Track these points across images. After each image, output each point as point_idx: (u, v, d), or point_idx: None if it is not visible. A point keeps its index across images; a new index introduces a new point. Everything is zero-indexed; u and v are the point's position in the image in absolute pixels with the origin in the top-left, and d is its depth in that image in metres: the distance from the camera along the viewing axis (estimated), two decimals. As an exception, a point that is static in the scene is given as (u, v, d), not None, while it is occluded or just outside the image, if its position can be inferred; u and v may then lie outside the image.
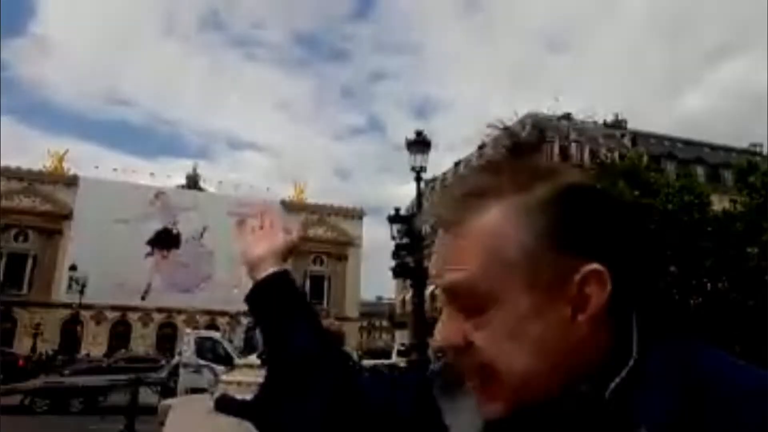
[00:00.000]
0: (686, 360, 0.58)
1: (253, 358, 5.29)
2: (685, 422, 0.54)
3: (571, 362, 0.59)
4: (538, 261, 0.58)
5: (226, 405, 3.92)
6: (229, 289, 53.11)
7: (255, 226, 1.04)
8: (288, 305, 0.90)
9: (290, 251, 1.00)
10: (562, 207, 0.59)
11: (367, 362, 27.45)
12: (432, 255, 0.65)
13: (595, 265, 0.58)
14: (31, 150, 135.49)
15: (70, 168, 53.75)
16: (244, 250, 0.99)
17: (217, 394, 4.59)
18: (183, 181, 59.35)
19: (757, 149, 50.71)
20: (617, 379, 0.56)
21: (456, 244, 0.61)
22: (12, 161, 50.99)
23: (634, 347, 0.59)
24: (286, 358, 0.86)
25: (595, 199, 0.62)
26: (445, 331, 0.62)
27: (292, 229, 1.03)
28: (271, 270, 0.93)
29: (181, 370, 15.00)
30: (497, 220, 0.59)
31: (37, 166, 52.74)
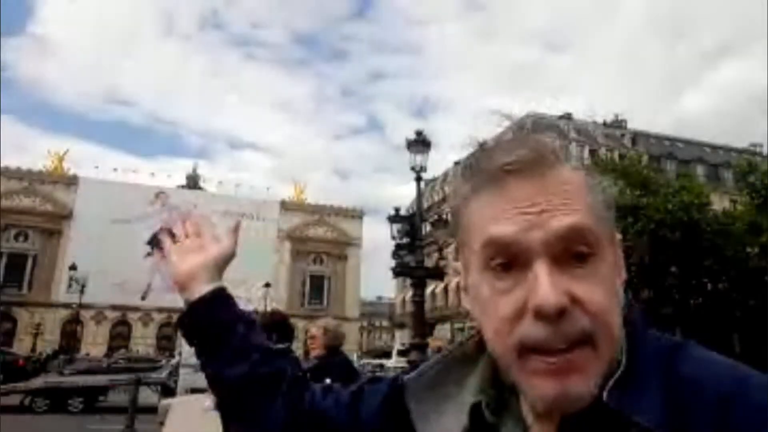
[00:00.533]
0: (672, 359, 0.58)
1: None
2: (673, 423, 0.53)
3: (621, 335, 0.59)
4: (610, 218, 0.61)
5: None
6: (229, 289, 53.09)
7: (179, 237, 0.94)
8: (227, 328, 0.81)
9: (226, 262, 0.89)
10: (603, 179, 0.64)
11: (368, 362, 27.50)
12: (509, 193, 0.58)
13: (620, 235, 0.63)
14: (29, 149, 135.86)
15: (70, 168, 53.89)
16: (170, 265, 0.90)
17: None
18: (183, 181, 59.36)
19: (757, 149, 50.71)
20: (612, 381, 0.55)
21: (564, 184, 0.58)
22: (10, 161, 51.22)
23: (624, 344, 0.59)
24: (228, 387, 0.80)
25: None
26: (556, 290, 0.53)
27: (226, 236, 0.92)
28: (205, 289, 0.84)
29: (181, 370, 14.98)
30: (580, 172, 0.61)
31: (36, 165, 52.91)
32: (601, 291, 0.55)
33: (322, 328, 3.83)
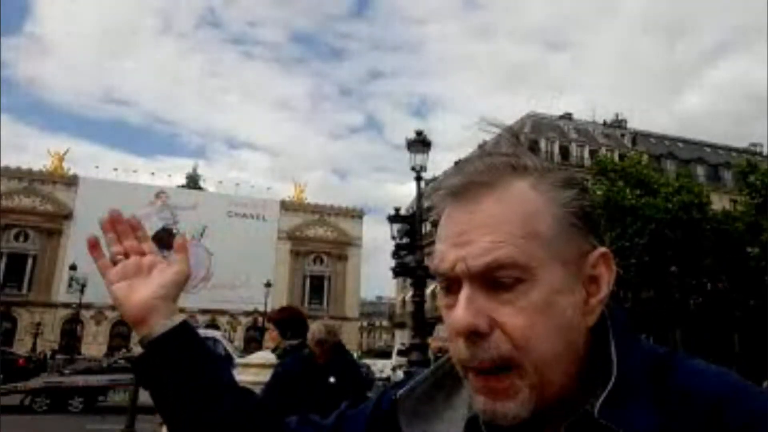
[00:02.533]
0: (662, 371, 0.58)
1: (255, 357, 5.29)
2: None
3: (578, 353, 0.59)
4: (565, 235, 0.58)
5: None
6: (229, 289, 53.21)
7: (115, 251, 0.81)
8: (196, 369, 0.72)
9: (181, 288, 0.76)
10: (579, 189, 0.61)
11: (369, 362, 27.43)
12: (450, 220, 0.60)
13: (604, 249, 0.61)
14: (27, 149, 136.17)
15: (70, 168, 53.91)
16: (114, 295, 0.76)
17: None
18: (182, 180, 59.37)
19: (757, 149, 50.75)
20: (602, 397, 0.55)
21: (494, 209, 0.58)
22: (8, 160, 51.30)
23: (614, 356, 0.58)
24: None
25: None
26: (469, 312, 0.56)
27: (177, 246, 0.80)
28: (168, 324, 0.73)
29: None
30: (530, 190, 0.59)
31: (35, 165, 53.02)
32: (525, 317, 0.55)
33: (311, 337, 3.74)
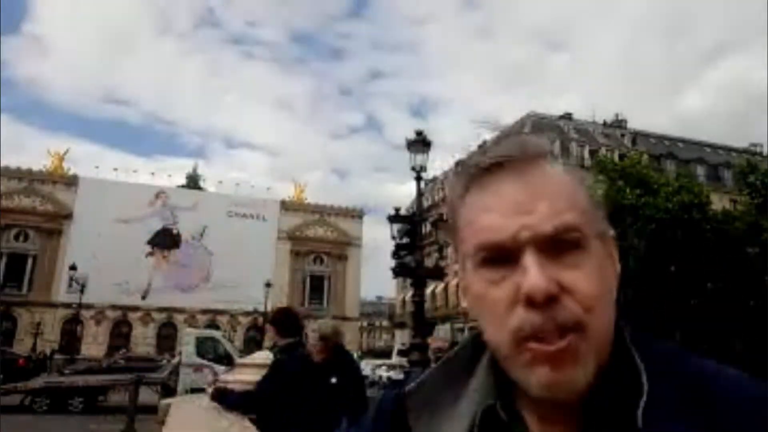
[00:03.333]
0: (691, 376, 0.58)
1: (255, 356, 5.30)
2: None
3: (612, 328, 0.60)
4: (597, 214, 0.62)
5: (221, 397, 3.92)
6: (229, 289, 53.20)
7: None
8: None
9: None
10: (591, 179, 0.65)
11: (370, 362, 27.46)
12: (497, 191, 0.60)
13: (613, 231, 0.65)
14: (26, 148, 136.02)
15: (70, 168, 53.90)
16: None
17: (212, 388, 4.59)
18: (182, 180, 59.36)
19: (757, 149, 50.73)
20: (642, 403, 0.55)
21: (549, 181, 0.60)
22: (7, 160, 51.17)
23: (635, 353, 0.59)
24: None
25: None
26: (544, 277, 0.54)
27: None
28: None
29: (182, 370, 15.00)
30: (565, 170, 0.62)
31: (33, 164, 52.97)
32: (590, 280, 0.56)
33: (317, 334, 3.84)
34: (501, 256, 0.58)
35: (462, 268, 0.64)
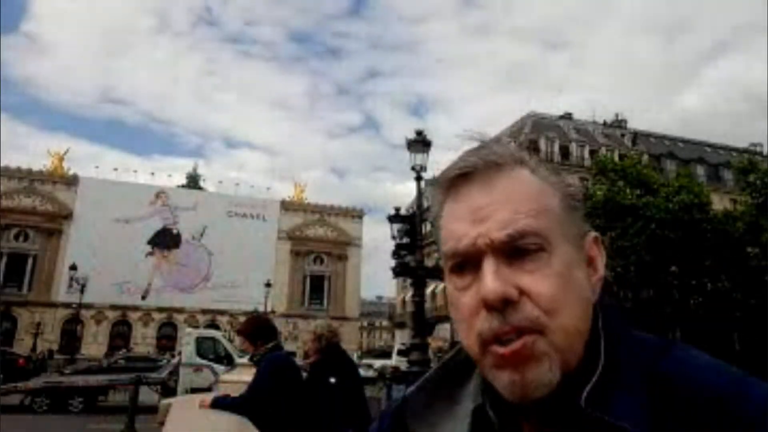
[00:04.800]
0: (656, 360, 0.59)
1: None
2: (659, 426, 0.54)
3: (587, 330, 0.61)
4: (569, 215, 0.63)
5: (214, 404, 3.92)
6: (229, 289, 53.22)
7: None
8: None
9: None
10: (567, 180, 0.67)
11: (369, 362, 27.37)
12: (463, 201, 0.62)
13: (595, 232, 0.66)
14: (24, 148, 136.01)
15: (70, 168, 53.91)
16: None
17: (216, 394, 4.60)
18: (182, 180, 59.39)
19: (757, 149, 50.71)
20: (589, 386, 0.57)
21: (510, 188, 0.61)
22: (6, 159, 51.30)
23: (602, 345, 0.60)
24: None
25: None
26: (498, 281, 0.57)
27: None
28: None
29: (182, 370, 15.00)
30: (533, 175, 0.64)
31: (31, 164, 53.01)
32: (551, 283, 0.58)
33: (312, 333, 3.87)
34: (466, 262, 0.60)
35: (444, 275, 0.67)
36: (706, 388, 0.55)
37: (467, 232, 0.60)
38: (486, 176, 0.62)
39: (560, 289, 0.58)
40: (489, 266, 0.58)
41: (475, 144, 0.67)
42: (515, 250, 0.59)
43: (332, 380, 3.63)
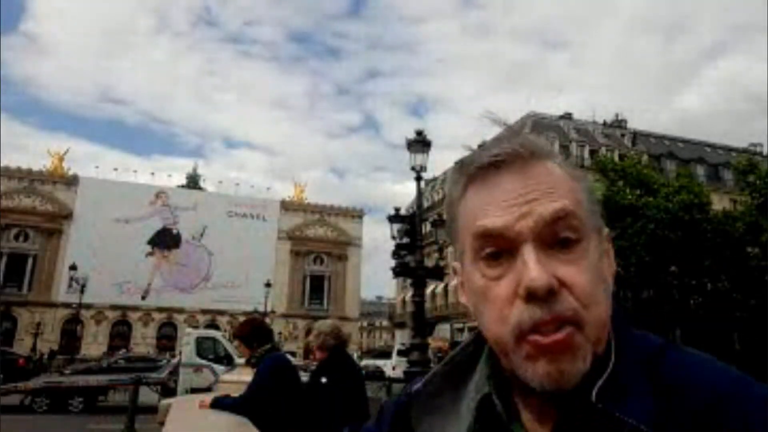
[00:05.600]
0: (660, 359, 0.59)
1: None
2: (664, 422, 0.54)
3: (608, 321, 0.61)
4: (593, 210, 0.63)
5: (215, 404, 3.92)
6: (229, 289, 53.22)
7: None
8: None
9: None
10: (588, 178, 0.68)
11: (368, 363, 27.34)
12: (498, 186, 0.61)
13: (607, 229, 0.67)
14: (23, 148, 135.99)
15: (70, 168, 53.91)
16: None
17: (216, 394, 4.59)
18: (182, 180, 59.38)
19: (757, 149, 50.71)
20: (601, 381, 0.57)
21: (548, 176, 0.61)
22: (5, 159, 51.29)
23: (612, 344, 0.60)
24: None
25: None
26: (543, 271, 0.56)
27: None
28: None
29: (181, 370, 14.99)
30: (563, 167, 0.64)
31: (31, 164, 53.06)
32: (588, 275, 0.58)
33: (314, 333, 3.88)
34: (499, 248, 0.59)
35: (461, 264, 0.66)
36: (708, 387, 0.56)
37: (504, 215, 0.59)
38: (521, 164, 0.61)
39: (595, 281, 0.58)
40: (532, 255, 0.57)
41: (498, 130, 0.66)
42: (555, 240, 0.58)
43: (323, 380, 3.64)
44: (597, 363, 0.58)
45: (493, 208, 0.60)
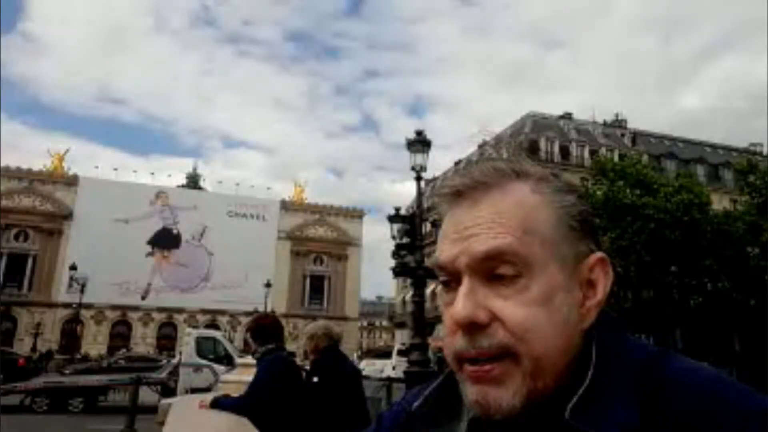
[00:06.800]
0: (648, 370, 0.58)
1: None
2: None
3: (572, 354, 0.60)
4: (564, 237, 0.61)
5: (214, 404, 3.92)
6: (229, 289, 53.23)
7: None
8: None
9: None
10: (577, 195, 0.65)
11: (367, 367, 27.23)
12: (451, 219, 0.63)
13: (601, 254, 0.63)
14: (21, 147, 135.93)
15: (70, 168, 53.92)
16: None
17: (216, 394, 4.60)
18: (182, 180, 59.42)
19: (757, 149, 50.71)
20: (575, 398, 0.56)
21: (496, 207, 0.61)
22: (4, 159, 51.24)
23: (593, 358, 0.60)
24: None
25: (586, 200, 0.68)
26: (469, 304, 0.58)
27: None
28: None
29: (181, 370, 14.99)
30: (530, 193, 0.62)
31: (29, 163, 53.13)
32: (525, 310, 0.57)
33: (307, 337, 3.90)
34: (449, 280, 0.62)
35: None
36: (699, 397, 0.55)
37: (448, 250, 0.61)
38: (475, 195, 0.62)
39: (535, 315, 0.58)
40: (463, 288, 0.59)
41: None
42: (493, 273, 0.59)
43: (315, 380, 3.66)
44: (575, 383, 0.58)
45: (445, 240, 0.62)
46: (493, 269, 0.59)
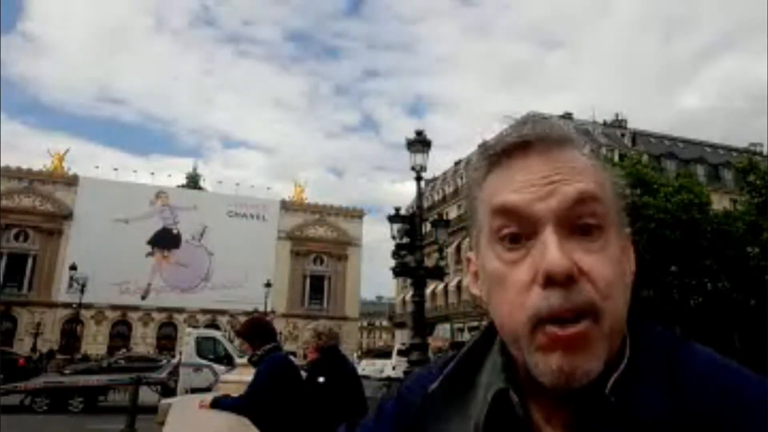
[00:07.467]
0: (673, 355, 0.58)
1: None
2: (678, 417, 0.53)
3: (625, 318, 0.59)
4: (618, 204, 0.60)
5: (215, 404, 3.92)
6: (229, 289, 53.21)
7: None
8: None
9: None
10: (615, 172, 0.64)
11: (367, 367, 27.18)
12: (523, 169, 0.59)
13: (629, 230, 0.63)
14: (20, 147, 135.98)
15: (70, 168, 53.91)
16: None
17: (216, 394, 4.60)
18: (182, 180, 59.38)
19: (757, 149, 50.69)
20: (616, 374, 0.55)
21: (573, 162, 0.59)
22: (4, 159, 51.22)
23: (628, 339, 0.58)
24: None
25: None
26: (562, 256, 0.53)
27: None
28: None
29: (181, 370, 14.99)
30: (593, 156, 0.62)
31: (28, 163, 53.12)
32: (609, 266, 0.55)
33: (312, 331, 3.91)
34: (519, 229, 0.56)
35: (476, 249, 0.64)
36: (726, 385, 0.54)
37: (529, 198, 0.56)
38: (546, 147, 0.59)
39: (616, 273, 0.56)
40: (553, 237, 0.54)
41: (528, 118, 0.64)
42: (577, 225, 0.55)
43: (321, 380, 3.66)
44: (611, 358, 0.55)
45: (515, 186, 0.57)
46: (580, 217, 0.55)
